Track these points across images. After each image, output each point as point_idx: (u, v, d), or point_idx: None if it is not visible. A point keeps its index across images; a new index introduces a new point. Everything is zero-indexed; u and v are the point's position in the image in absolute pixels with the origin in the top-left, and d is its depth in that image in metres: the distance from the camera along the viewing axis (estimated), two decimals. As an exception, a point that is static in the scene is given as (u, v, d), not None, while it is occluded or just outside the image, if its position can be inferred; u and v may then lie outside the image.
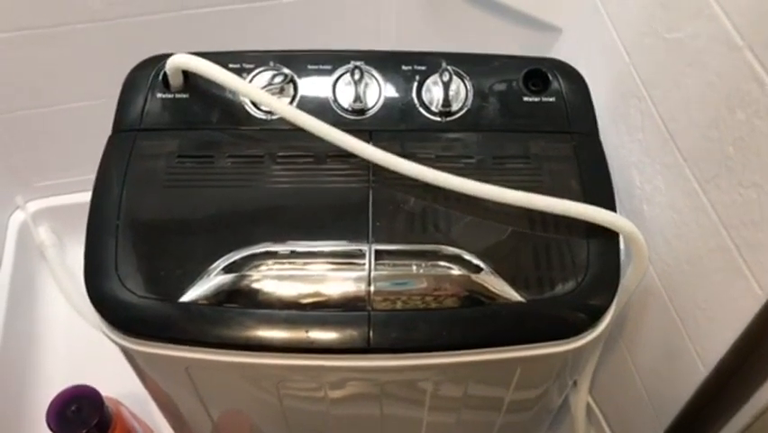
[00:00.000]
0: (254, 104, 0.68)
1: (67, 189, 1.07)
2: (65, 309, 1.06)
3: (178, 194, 0.64)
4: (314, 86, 0.69)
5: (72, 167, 1.03)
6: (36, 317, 1.06)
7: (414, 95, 0.69)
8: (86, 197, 0.65)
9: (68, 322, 1.05)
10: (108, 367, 0.78)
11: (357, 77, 0.68)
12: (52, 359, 1.03)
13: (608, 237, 0.63)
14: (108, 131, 0.68)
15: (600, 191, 0.65)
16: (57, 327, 1.06)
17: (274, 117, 0.68)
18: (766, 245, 0.52)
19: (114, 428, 0.80)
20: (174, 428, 0.85)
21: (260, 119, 0.68)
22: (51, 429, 0.77)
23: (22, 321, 1.02)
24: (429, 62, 0.70)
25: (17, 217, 1.06)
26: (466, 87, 0.70)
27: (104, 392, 0.82)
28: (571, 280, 0.62)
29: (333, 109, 0.68)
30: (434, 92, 0.69)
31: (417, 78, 0.70)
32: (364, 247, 0.62)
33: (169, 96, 0.69)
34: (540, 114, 0.69)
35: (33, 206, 1.07)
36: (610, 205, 0.64)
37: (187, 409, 0.76)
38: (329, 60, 0.70)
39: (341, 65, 0.70)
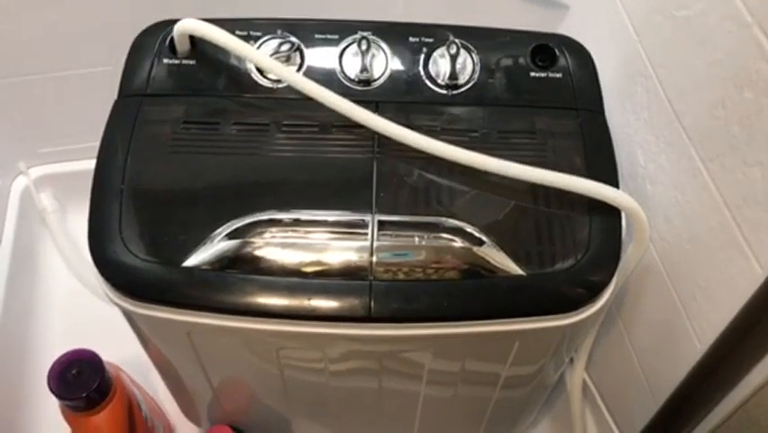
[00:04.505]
0: (260, 72, 0.68)
1: (70, 156, 1.07)
2: (66, 275, 1.07)
3: (183, 160, 0.64)
4: (320, 55, 0.69)
5: (76, 134, 1.03)
6: (37, 282, 1.06)
7: (420, 67, 0.69)
8: (90, 164, 0.65)
9: (69, 288, 1.06)
10: (108, 333, 0.78)
11: (364, 47, 0.68)
12: (53, 324, 1.04)
13: (610, 214, 0.64)
14: (113, 98, 0.68)
15: (604, 168, 0.66)
16: (58, 292, 1.07)
17: (280, 86, 0.68)
18: (768, 224, 0.53)
19: (114, 392, 0.81)
20: (174, 394, 0.86)
21: (266, 87, 0.68)
22: (53, 392, 0.77)
23: (23, 287, 1.03)
24: (436, 35, 0.70)
25: (20, 183, 1.07)
26: (473, 60, 0.69)
27: (104, 358, 0.83)
28: (572, 255, 0.62)
29: (339, 79, 0.68)
30: (440, 65, 0.69)
31: (424, 50, 0.70)
32: (367, 217, 0.62)
33: (176, 61, 0.69)
34: (546, 89, 0.69)
35: (36, 172, 1.07)
36: (613, 182, 0.65)
37: (188, 376, 0.76)
38: (336, 30, 0.70)
39: (348, 35, 0.70)
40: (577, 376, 0.85)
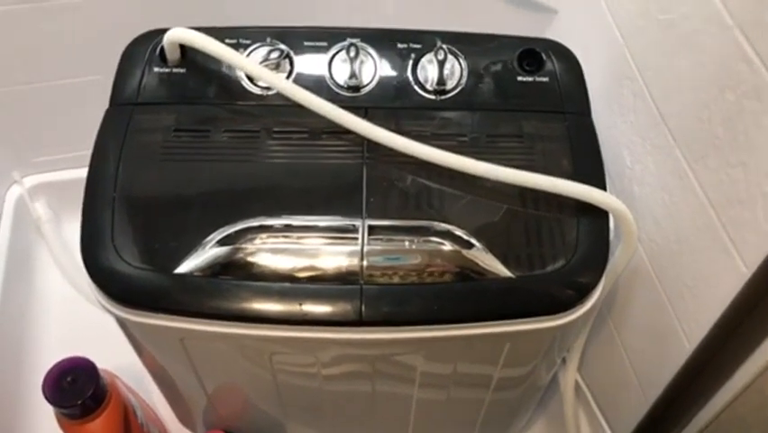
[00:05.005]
0: (250, 79, 0.69)
1: (64, 165, 1.07)
2: (61, 284, 1.07)
3: (175, 167, 0.65)
4: (310, 62, 0.70)
5: (69, 142, 1.03)
6: (32, 290, 1.07)
7: (409, 73, 0.70)
8: (83, 172, 0.65)
9: (64, 296, 1.06)
10: (103, 341, 0.78)
11: (353, 54, 0.68)
12: (48, 332, 1.04)
13: (598, 216, 0.64)
14: (106, 107, 0.69)
15: (591, 171, 0.66)
16: (53, 300, 1.07)
17: (270, 93, 0.68)
18: (751, 224, 0.53)
19: (109, 399, 0.81)
20: (169, 400, 0.86)
21: (257, 94, 0.68)
22: (48, 400, 0.78)
23: (18, 295, 1.03)
24: (424, 40, 0.71)
25: (14, 192, 1.07)
26: (461, 65, 0.70)
27: (99, 365, 0.83)
28: (561, 257, 0.63)
29: (328, 86, 0.69)
30: (428, 70, 0.70)
31: (413, 56, 0.70)
32: (358, 222, 0.63)
33: (166, 70, 0.69)
34: (534, 93, 0.70)
35: (30, 181, 1.08)
36: (601, 184, 0.65)
37: (182, 382, 0.77)
38: (325, 37, 0.71)
39: (337, 42, 0.70)
40: (569, 377, 0.86)
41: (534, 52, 0.71)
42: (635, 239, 0.65)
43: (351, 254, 0.61)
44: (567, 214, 0.64)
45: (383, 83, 0.69)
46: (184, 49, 0.69)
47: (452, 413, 0.84)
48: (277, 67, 0.69)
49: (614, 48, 0.71)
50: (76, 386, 0.79)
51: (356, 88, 0.69)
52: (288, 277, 0.61)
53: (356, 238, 0.62)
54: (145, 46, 0.70)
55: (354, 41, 0.70)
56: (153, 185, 0.64)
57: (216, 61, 0.69)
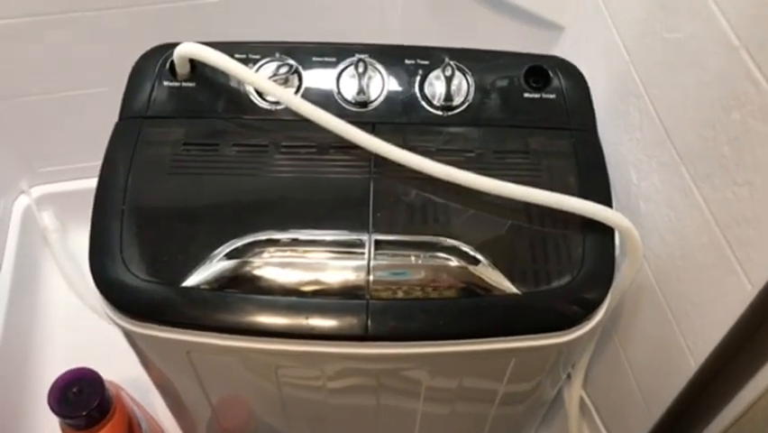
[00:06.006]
0: (259, 94, 0.69)
1: (71, 176, 1.08)
2: (67, 294, 1.08)
3: (183, 181, 0.66)
4: (318, 77, 0.70)
5: (77, 153, 1.04)
6: (39, 301, 1.07)
7: (416, 88, 0.70)
8: (90, 183, 0.66)
9: (70, 307, 1.06)
10: (109, 352, 0.79)
11: (361, 69, 0.69)
12: (54, 343, 1.04)
13: (604, 233, 0.64)
14: (113, 119, 0.69)
15: (597, 188, 0.67)
16: (59, 311, 1.07)
17: (278, 107, 0.69)
18: (757, 242, 0.53)
19: (114, 410, 0.82)
20: (173, 412, 0.86)
21: (265, 109, 0.69)
22: (53, 410, 0.78)
23: (24, 305, 1.04)
24: (432, 57, 0.72)
25: (21, 202, 1.08)
26: (468, 82, 0.71)
27: (104, 377, 0.83)
28: (567, 273, 0.63)
29: (336, 101, 0.69)
30: (436, 86, 0.70)
31: (420, 72, 0.71)
32: (364, 237, 0.63)
33: (176, 84, 0.70)
34: (540, 110, 0.70)
35: (38, 191, 1.08)
36: (607, 201, 0.66)
37: (187, 394, 0.77)
38: (334, 53, 0.71)
39: (345, 57, 0.71)
40: (574, 393, 0.86)
41: (540, 69, 0.72)
42: (641, 256, 0.65)
43: (357, 269, 0.62)
44: (573, 230, 0.65)
45: (391, 98, 0.70)
46: (194, 63, 0.70)
47: (456, 428, 0.84)
48: (285, 82, 0.69)
49: (620, 65, 0.72)
50: (81, 397, 0.79)
51: (364, 104, 0.69)
52: (295, 291, 0.61)
53: (363, 253, 0.62)
54: (155, 60, 0.71)
55: (362, 56, 0.70)
56: (162, 198, 0.65)
57: (226, 76, 0.69)
